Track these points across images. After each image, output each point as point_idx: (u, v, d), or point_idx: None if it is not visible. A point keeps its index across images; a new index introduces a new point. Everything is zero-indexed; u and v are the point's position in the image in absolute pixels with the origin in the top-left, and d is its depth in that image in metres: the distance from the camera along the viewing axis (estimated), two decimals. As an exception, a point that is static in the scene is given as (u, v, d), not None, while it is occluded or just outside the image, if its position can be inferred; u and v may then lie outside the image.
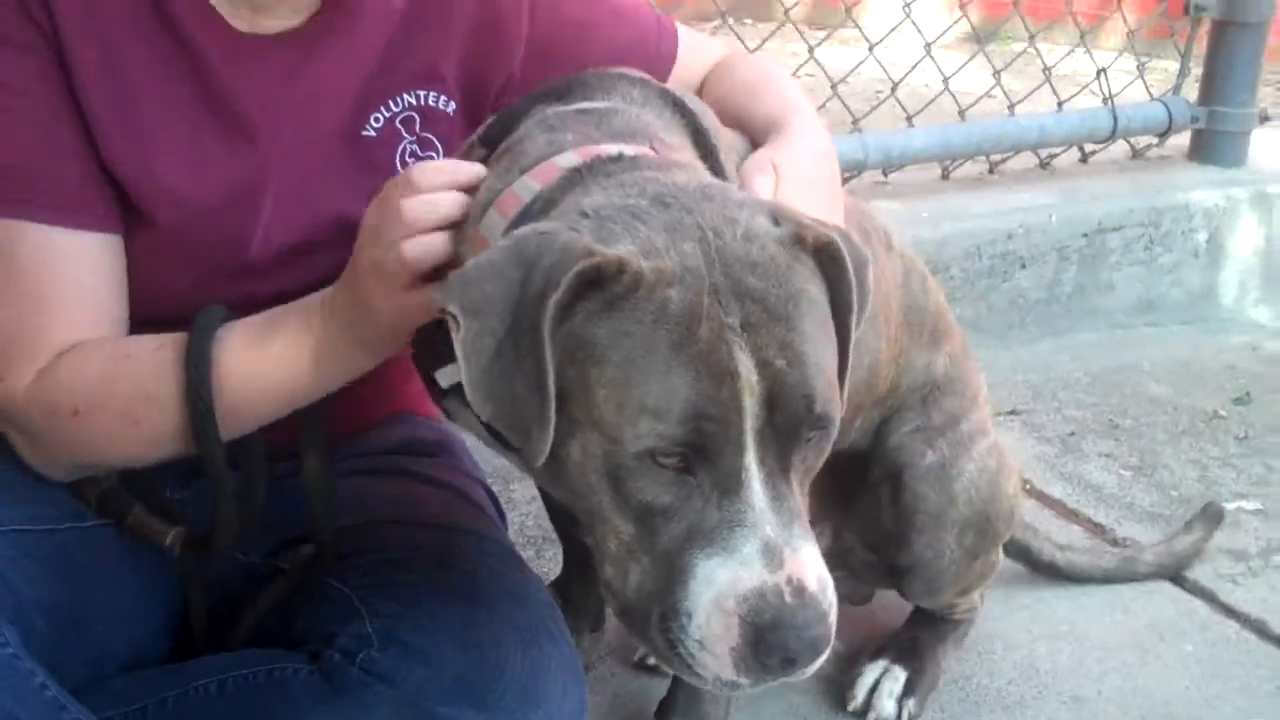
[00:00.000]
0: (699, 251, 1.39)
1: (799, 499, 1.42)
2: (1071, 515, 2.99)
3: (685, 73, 2.09)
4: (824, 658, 1.40)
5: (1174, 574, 2.73)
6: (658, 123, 1.72)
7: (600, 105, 1.72)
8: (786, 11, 3.94)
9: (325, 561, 1.92)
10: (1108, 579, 2.71)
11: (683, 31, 2.14)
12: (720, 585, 1.36)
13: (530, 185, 1.56)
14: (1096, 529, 2.95)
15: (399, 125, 1.92)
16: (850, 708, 2.28)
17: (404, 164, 1.93)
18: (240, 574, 1.98)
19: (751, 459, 1.37)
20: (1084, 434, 3.41)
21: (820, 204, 1.70)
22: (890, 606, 2.47)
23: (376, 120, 1.91)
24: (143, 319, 1.81)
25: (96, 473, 1.84)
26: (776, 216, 1.48)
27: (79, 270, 1.76)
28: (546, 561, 2.66)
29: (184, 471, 1.89)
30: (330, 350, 1.71)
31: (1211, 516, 2.80)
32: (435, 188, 1.62)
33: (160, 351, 1.72)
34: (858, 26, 4.09)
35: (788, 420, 1.38)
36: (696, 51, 2.13)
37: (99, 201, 1.77)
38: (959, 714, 2.31)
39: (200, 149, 1.82)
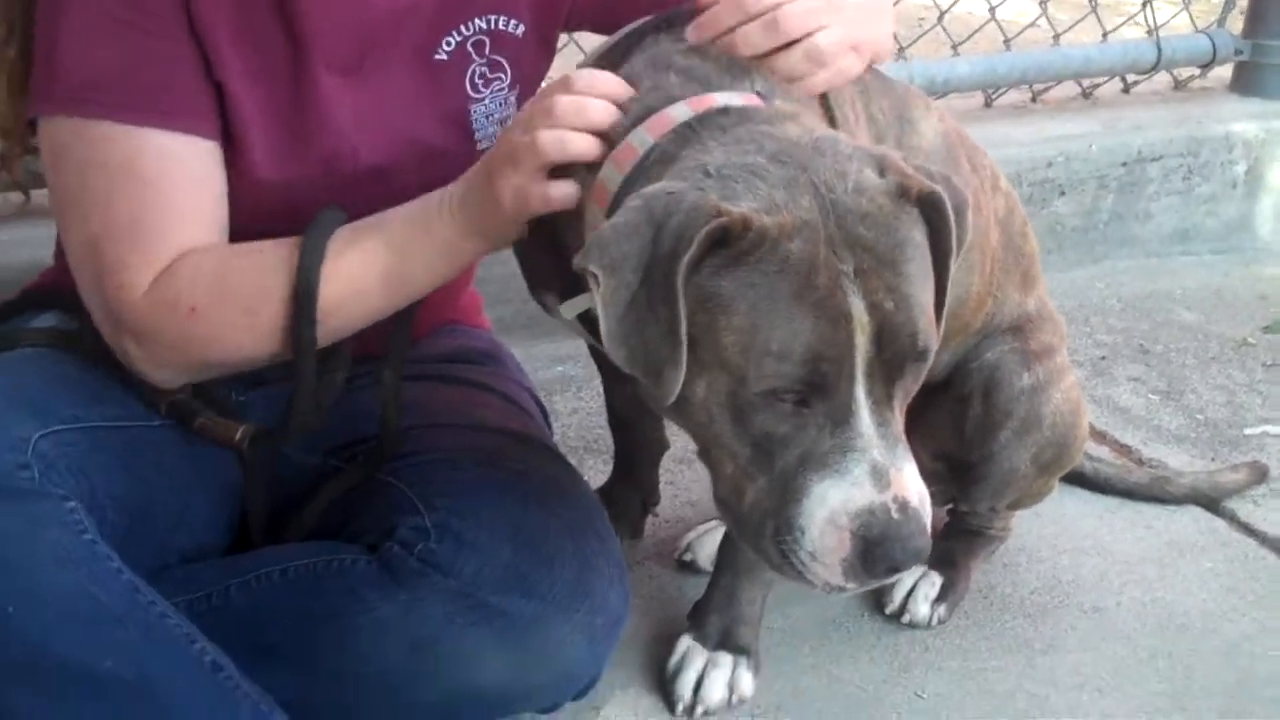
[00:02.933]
0: (814, 205, 1.51)
1: (900, 423, 1.57)
2: (1100, 436, 3.05)
3: None
4: (921, 562, 1.57)
5: (1208, 503, 2.79)
6: None
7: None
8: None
9: (384, 460, 2.00)
10: (1134, 494, 2.79)
11: None
12: (833, 504, 1.52)
13: (645, 138, 1.66)
14: (1123, 449, 3.02)
15: (470, 49, 1.98)
16: (888, 610, 2.37)
17: (473, 86, 1.99)
18: (298, 476, 2.06)
19: (861, 391, 1.52)
20: (1115, 358, 3.46)
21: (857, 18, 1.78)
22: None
23: (448, 44, 1.96)
24: (239, 230, 1.87)
25: (204, 377, 1.91)
26: (883, 167, 1.58)
27: (194, 175, 1.82)
28: (588, 470, 2.74)
29: (248, 377, 1.97)
30: (443, 241, 1.79)
31: (1258, 471, 2.86)
32: (588, 93, 1.70)
33: (279, 248, 1.80)
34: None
35: (894, 355, 1.53)
36: None
37: (211, 111, 1.83)
38: (982, 621, 2.39)
39: (271, 89, 1.87)
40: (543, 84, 2.09)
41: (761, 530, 1.59)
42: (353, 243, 1.80)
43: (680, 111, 1.67)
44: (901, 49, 3.95)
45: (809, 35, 1.74)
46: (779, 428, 1.53)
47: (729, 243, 1.48)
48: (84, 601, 1.64)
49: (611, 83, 1.73)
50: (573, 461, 2.73)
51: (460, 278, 2.29)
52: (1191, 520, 2.75)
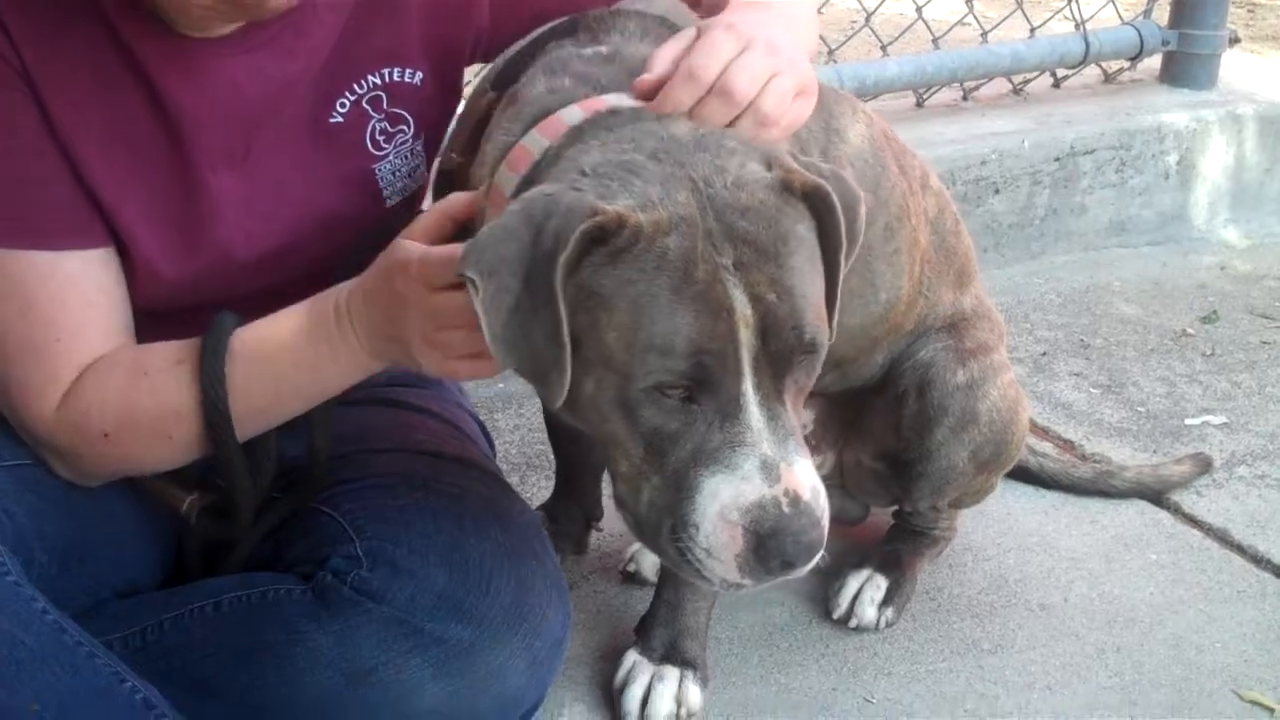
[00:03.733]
0: (692, 200, 1.51)
1: (793, 417, 1.57)
2: (1042, 432, 3.06)
3: None
4: (818, 558, 1.56)
5: (1152, 496, 2.80)
6: None
7: (602, 48, 1.80)
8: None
9: (317, 489, 1.98)
10: (1078, 488, 2.79)
11: None
12: (724, 499, 1.52)
13: (539, 140, 1.66)
14: (1067, 445, 3.03)
15: (366, 106, 1.93)
16: (835, 615, 2.36)
17: (374, 144, 1.95)
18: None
19: (749, 385, 1.51)
20: (1055, 354, 3.47)
21: (782, 42, 1.71)
22: (868, 526, 2.55)
23: (342, 105, 1.91)
24: (144, 313, 1.85)
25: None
26: (769, 161, 1.58)
27: (87, 289, 1.79)
28: (530, 487, 2.73)
29: None
30: (348, 361, 1.76)
31: (1202, 462, 2.87)
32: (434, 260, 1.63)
33: (179, 367, 1.77)
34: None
35: (780, 348, 1.52)
36: None
37: (92, 219, 1.79)
38: (930, 623, 2.38)
39: (155, 187, 1.83)
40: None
41: (659, 529, 1.58)
42: (256, 364, 1.77)
43: (572, 114, 1.67)
44: (831, 52, 3.96)
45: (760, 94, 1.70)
46: (669, 424, 1.53)
47: (606, 240, 1.48)
48: (5, 645, 1.60)
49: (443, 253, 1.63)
50: (515, 478, 2.74)
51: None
52: (1136, 513, 2.75)
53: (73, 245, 1.78)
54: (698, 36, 1.69)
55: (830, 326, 1.61)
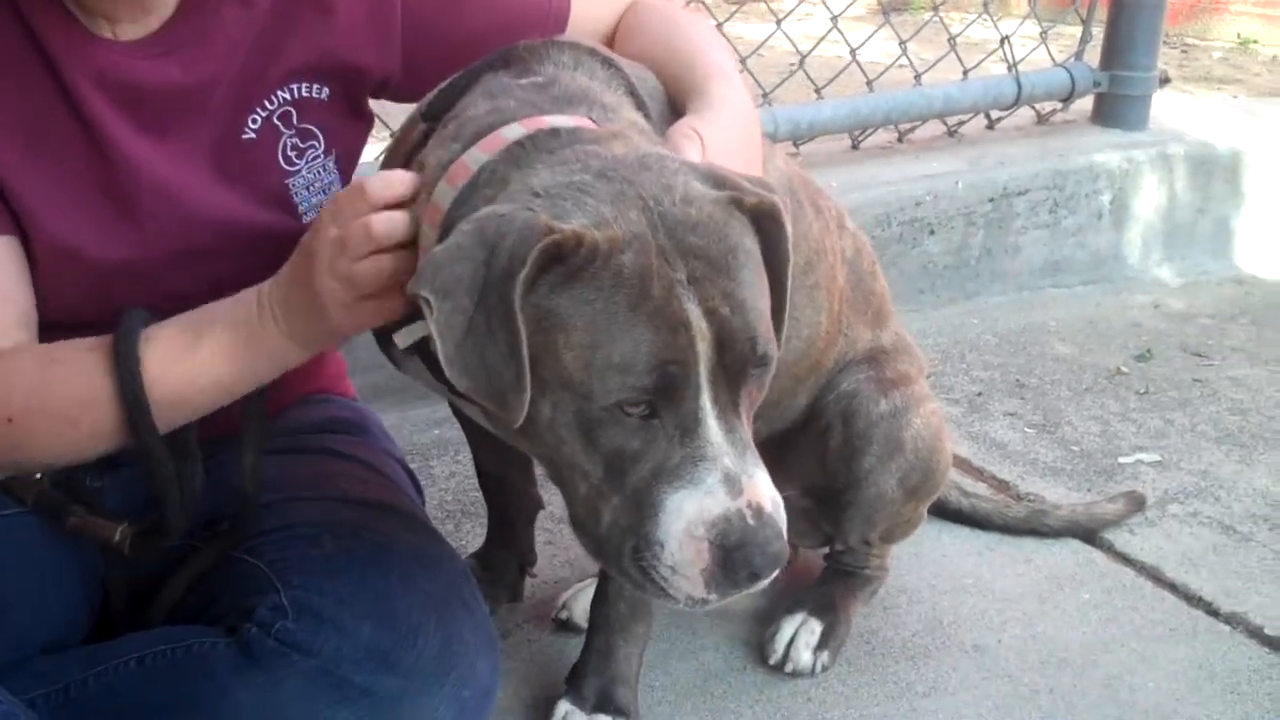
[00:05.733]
0: (643, 218, 1.52)
1: (748, 430, 1.58)
2: (977, 473, 3.07)
3: (589, 26, 2.11)
4: (780, 568, 1.56)
5: (1086, 535, 2.81)
6: (594, 84, 1.82)
7: (538, 77, 1.80)
8: (695, -13, 3.99)
9: (241, 538, 1.95)
10: (1012, 528, 2.81)
11: None
12: (689, 515, 1.51)
13: (478, 156, 1.66)
14: (1001, 485, 3.04)
15: (277, 122, 1.96)
16: (771, 660, 2.35)
17: (286, 160, 1.97)
18: (159, 555, 1.99)
19: (707, 399, 1.52)
20: (991, 394, 3.50)
21: (740, 168, 1.76)
22: (800, 570, 2.55)
23: (254, 121, 1.94)
24: (49, 321, 1.84)
25: (31, 473, 1.87)
26: (716, 180, 1.61)
27: None
28: (465, 534, 2.72)
29: (101, 460, 1.90)
30: (266, 347, 1.75)
31: (1135, 501, 2.89)
32: (384, 203, 1.66)
33: (91, 354, 1.75)
34: (766, 3, 4.16)
35: (735, 360, 1.53)
36: (598, 4, 2.14)
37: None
38: (865, 666, 2.38)
39: (67, 171, 1.84)
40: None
41: (621, 550, 1.57)
42: (175, 348, 1.75)
43: (513, 131, 1.67)
44: (766, 95, 3.98)
45: None
46: (629, 443, 1.52)
47: (562, 259, 1.48)
48: (-80, 706, 1.58)
49: (393, 183, 1.70)
50: (450, 525, 2.72)
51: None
52: (1070, 553, 2.77)
53: None
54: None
55: (778, 340, 1.63)
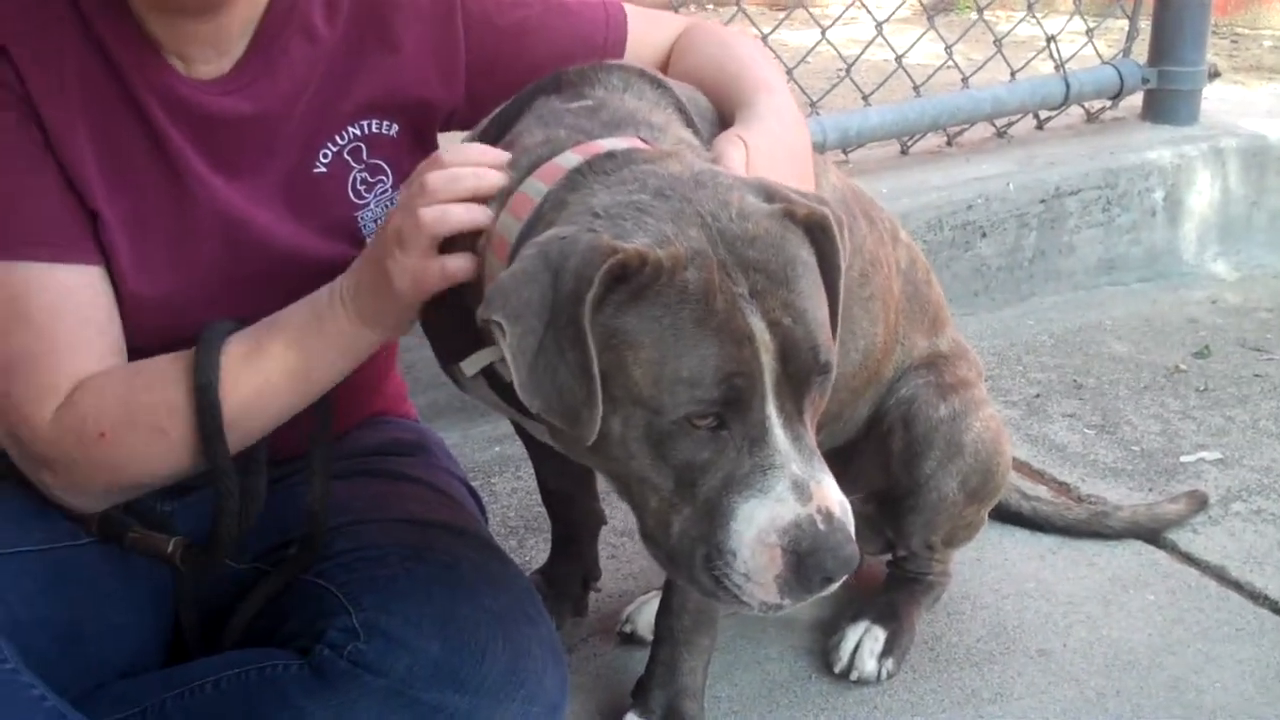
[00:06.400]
0: (702, 234, 1.54)
1: (813, 436, 1.60)
2: (1037, 475, 3.07)
3: (645, 51, 2.14)
4: (851, 571, 1.58)
5: (1149, 536, 2.80)
6: (643, 105, 1.84)
7: (588, 101, 1.83)
8: (740, -3, 4.01)
9: (310, 561, 1.98)
10: (1074, 530, 2.80)
11: (635, 12, 2.17)
12: (761, 523, 1.53)
13: (538, 186, 1.68)
14: (1062, 487, 3.03)
15: (347, 157, 2.00)
16: (835, 669, 2.36)
17: (356, 194, 2.02)
18: (230, 581, 2.04)
19: (773, 408, 1.54)
20: (1048, 395, 3.48)
21: (788, 178, 1.79)
22: (864, 578, 2.55)
23: (325, 155, 1.99)
24: (138, 348, 1.87)
25: (125, 499, 1.91)
26: (768, 193, 1.63)
27: (82, 303, 1.83)
28: (529, 550, 2.74)
29: (172, 487, 1.95)
30: (340, 335, 1.79)
31: (1197, 500, 2.87)
32: (459, 163, 1.72)
33: (174, 363, 1.80)
34: (808, 11, 4.16)
35: (799, 370, 1.56)
36: (654, 29, 2.18)
37: (88, 236, 1.84)
38: (929, 673, 2.38)
39: (149, 206, 1.89)
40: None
41: (692, 560, 1.59)
42: (249, 349, 1.80)
43: (569, 159, 1.69)
44: (814, 103, 3.99)
45: None
46: (698, 454, 1.55)
47: (627, 278, 1.50)
48: (4, 734, 1.62)
49: (480, 151, 1.76)
50: (513, 542, 2.74)
51: (382, 366, 2.30)
52: (1133, 554, 2.76)
53: (67, 259, 1.81)
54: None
55: (833, 347, 1.65)
